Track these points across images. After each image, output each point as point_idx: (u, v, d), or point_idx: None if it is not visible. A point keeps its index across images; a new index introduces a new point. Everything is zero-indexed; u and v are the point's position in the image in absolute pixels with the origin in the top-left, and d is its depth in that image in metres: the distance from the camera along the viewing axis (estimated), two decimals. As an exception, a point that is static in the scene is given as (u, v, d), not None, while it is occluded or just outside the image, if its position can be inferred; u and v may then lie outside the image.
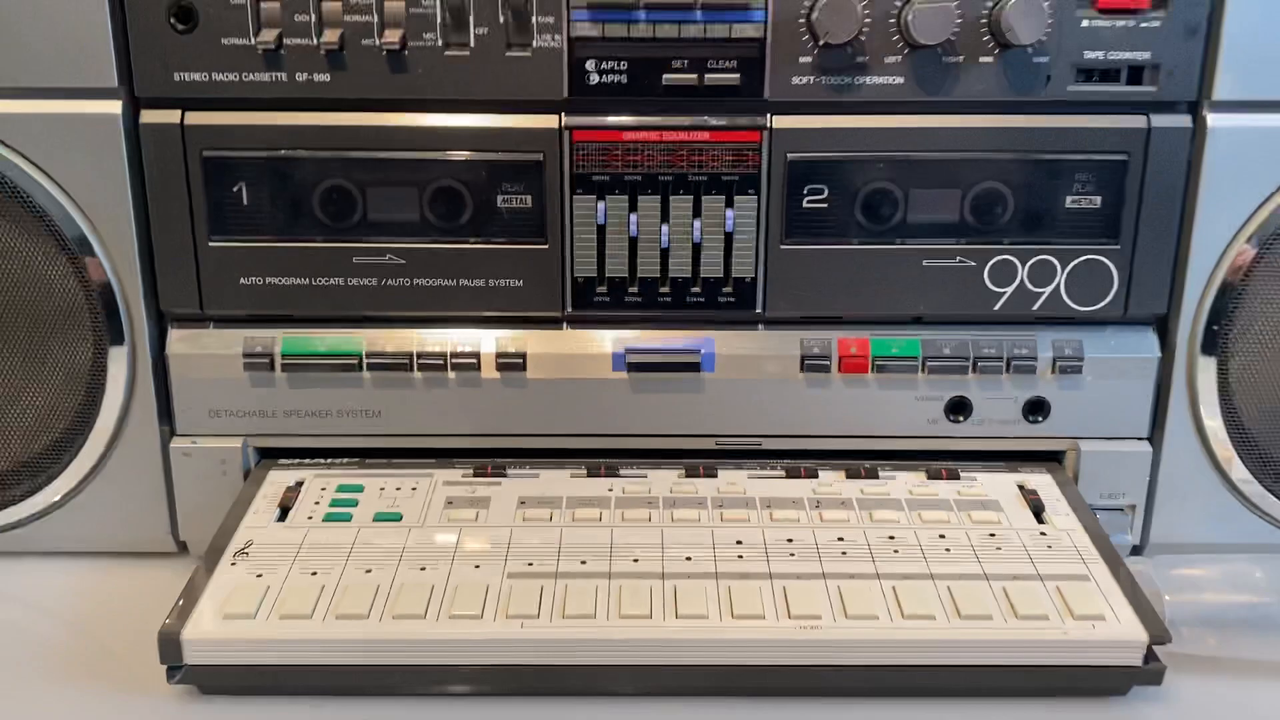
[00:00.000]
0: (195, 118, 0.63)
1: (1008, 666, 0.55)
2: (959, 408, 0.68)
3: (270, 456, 0.69)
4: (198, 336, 0.67)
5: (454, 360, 0.67)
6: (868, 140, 0.64)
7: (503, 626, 0.54)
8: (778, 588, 0.57)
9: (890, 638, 0.54)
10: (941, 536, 0.62)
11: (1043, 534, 0.62)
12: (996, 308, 0.67)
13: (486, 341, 0.67)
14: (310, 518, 0.63)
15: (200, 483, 0.68)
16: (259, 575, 0.58)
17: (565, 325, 0.67)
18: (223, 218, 0.65)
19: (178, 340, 0.67)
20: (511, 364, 0.67)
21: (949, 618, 0.55)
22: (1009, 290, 0.66)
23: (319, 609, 0.56)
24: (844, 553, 0.60)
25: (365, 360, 0.66)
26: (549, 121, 0.64)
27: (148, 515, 0.69)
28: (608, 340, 0.67)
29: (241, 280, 0.66)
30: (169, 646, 0.54)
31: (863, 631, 0.55)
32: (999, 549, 0.61)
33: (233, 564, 0.59)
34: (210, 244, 0.65)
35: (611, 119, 0.63)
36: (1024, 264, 0.66)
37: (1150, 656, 0.55)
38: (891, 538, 0.61)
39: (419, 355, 0.67)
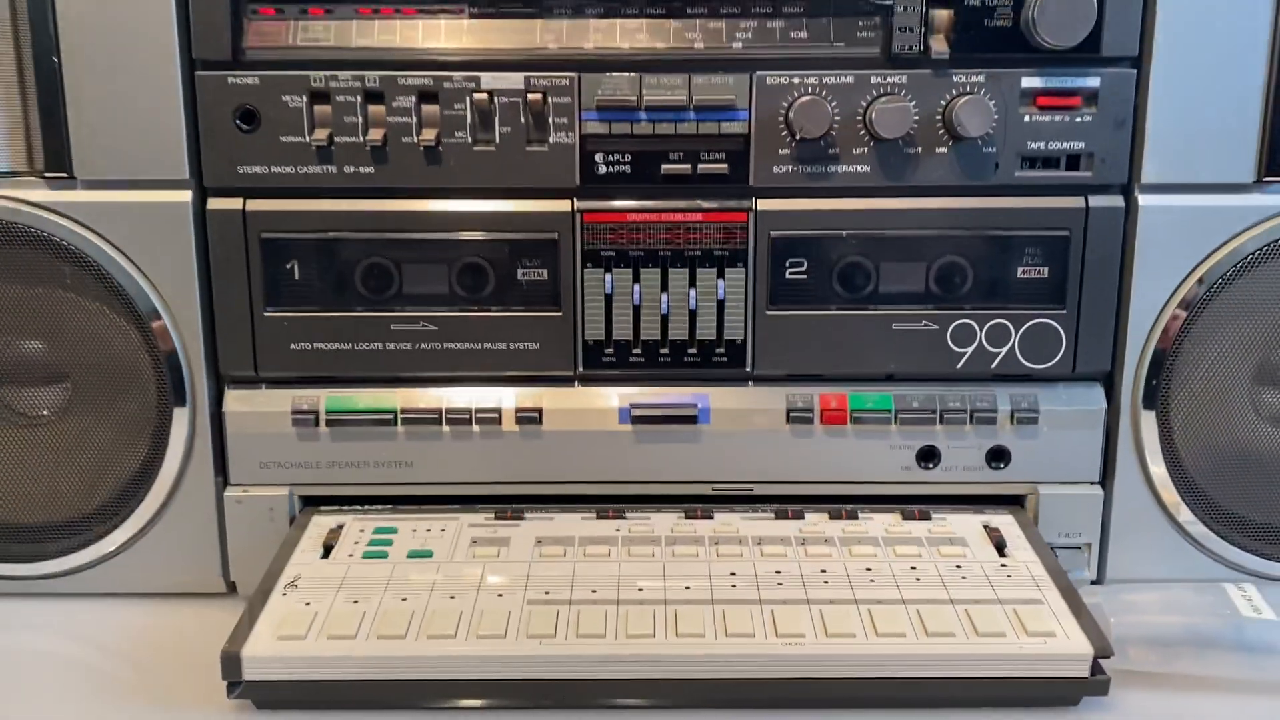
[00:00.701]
0: (255, 205, 0.69)
1: (969, 678, 0.60)
2: (929, 455, 0.73)
3: (312, 504, 0.73)
4: (251, 396, 0.72)
5: (478, 415, 0.71)
6: (841, 220, 0.70)
7: (524, 645, 0.60)
8: (766, 611, 0.62)
9: (865, 653, 0.60)
10: (913, 568, 0.67)
11: (1003, 565, 0.67)
12: (959, 366, 0.72)
13: (506, 398, 0.72)
14: (351, 555, 0.68)
15: (250, 528, 0.72)
16: (307, 603, 0.63)
17: (577, 383, 0.72)
18: (277, 291, 0.70)
19: (234, 400, 0.72)
20: (529, 418, 0.71)
21: (917, 635, 0.60)
22: (969, 350, 0.72)
23: (361, 630, 0.61)
24: (826, 582, 0.65)
25: (400, 416, 0.71)
26: (563, 205, 0.69)
27: (202, 558, 0.73)
28: (614, 396, 0.72)
29: (292, 346, 0.71)
30: (230, 664, 0.59)
31: (841, 647, 0.60)
32: (964, 578, 0.66)
33: (283, 594, 0.64)
34: (265, 314, 0.70)
35: (617, 203, 0.70)
36: (982, 327, 0.71)
37: (1096, 669, 0.60)
38: (869, 569, 0.66)
39: (447, 411, 0.71)
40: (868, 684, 0.60)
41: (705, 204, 0.70)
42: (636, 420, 0.72)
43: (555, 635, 0.60)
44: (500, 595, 0.64)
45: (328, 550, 0.69)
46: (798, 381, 0.73)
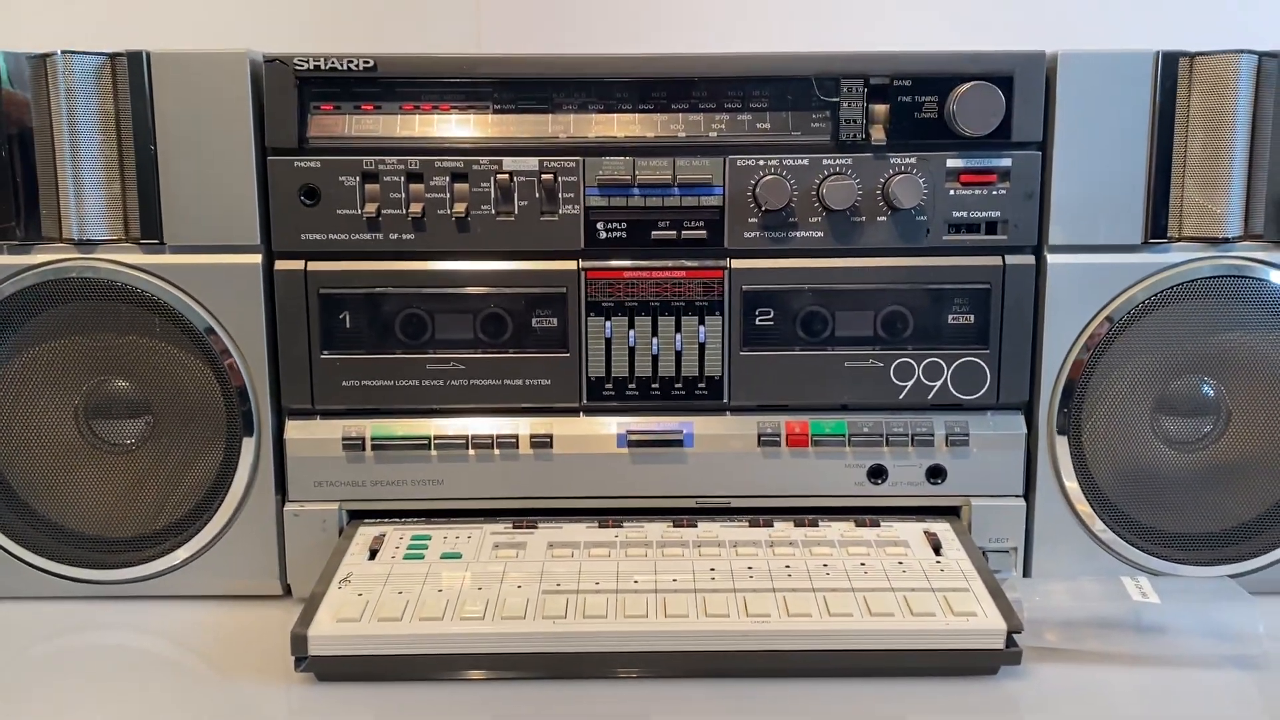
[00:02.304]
0: (315, 265, 0.76)
1: (905, 650, 0.67)
2: (878, 473, 0.79)
3: (358, 517, 0.79)
4: (308, 426, 0.78)
5: (498, 441, 0.77)
6: (801, 276, 0.77)
7: (540, 624, 0.67)
8: (739, 598, 0.69)
9: (819, 629, 0.67)
10: (862, 564, 0.74)
11: (938, 562, 0.75)
12: (900, 397, 0.79)
13: (522, 426, 0.78)
14: (393, 557, 0.75)
15: (304, 538, 0.78)
16: (360, 594, 0.70)
17: (582, 414, 0.78)
18: (332, 337, 0.76)
19: (293, 429, 0.78)
20: (541, 443, 0.77)
21: (863, 615, 0.68)
22: (909, 384, 0.79)
23: (405, 614, 0.67)
24: (789, 575, 0.72)
25: (433, 442, 0.77)
26: (570, 265, 0.76)
27: (263, 565, 0.79)
28: (613, 424, 0.78)
29: (343, 383, 0.77)
30: (298, 642, 0.66)
31: (799, 624, 0.67)
32: (904, 572, 0.73)
33: (339, 588, 0.71)
34: (322, 356, 0.77)
35: (615, 262, 0.77)
36: (919, 364, 0.78)
37: (1011, 643, 0.67)
38: (825, 566, 0.73)
39: (473, 438, 0.77)
40: (821, 655, 0.67)
41: (688, 263, 0.77)
42: (632, 444, 0.78)
43: (565, 616, 0.67)
44: (519, 586, 0.70)
45: (373, 554, 0.75)
46: (767, 411, 0.79)
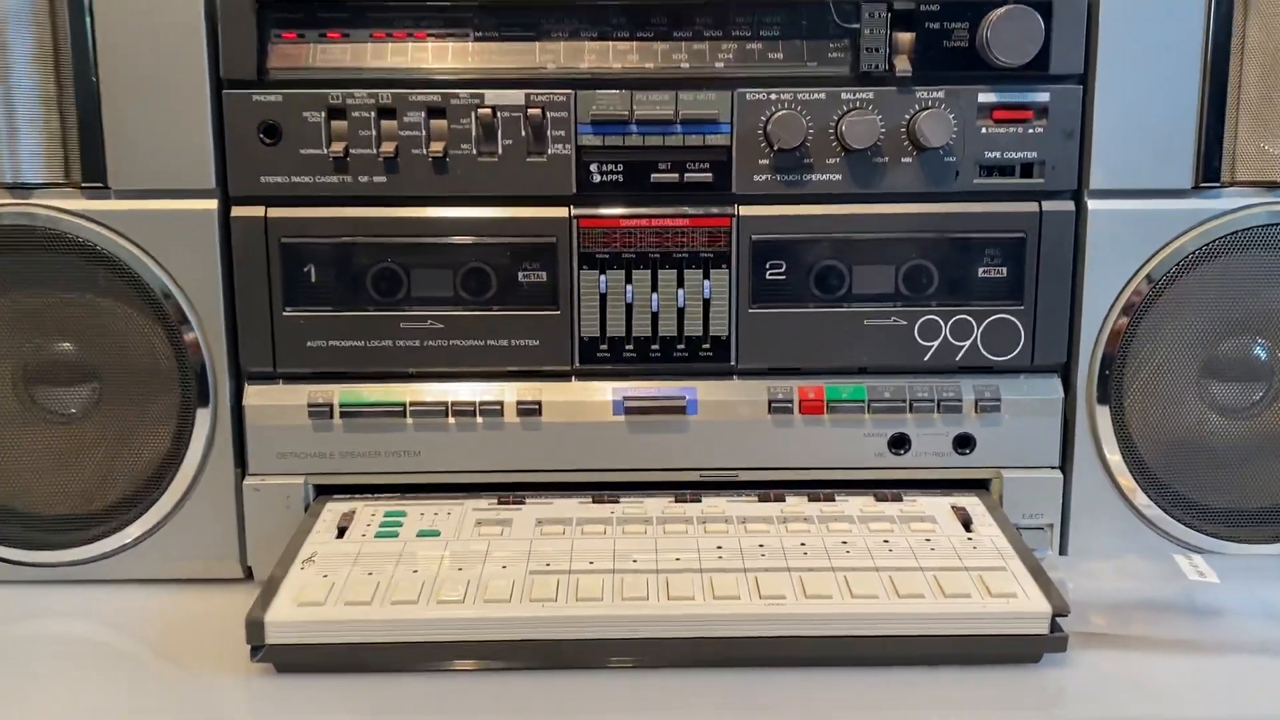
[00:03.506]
0: (276, 212, 0.71)
1: (937, 636, 0.62)
2: (900, 442, 0.75)
3: (326, 493, 0.75)
4: (270, 391, 0.74)
5: (481, 408, 0.73)
6: (816, 224, 0.73)
7: (527, 608, 0.62)
8: (750, 578, 0.64)
9: (841, 612, 0.62)
10: (885, 541, 0.69)
11: (969, 539, 0.70)
12: (926, 359, 0.74)
13: (508, 392, 0.74)
14: (364, 535, 0.70)
15: (266, 516, 0.74)
16: (325, 575, 0.65)
17: (573, 378, 0.74)
18: (295, 292, 0.72)
19: (253, 394, 0.74)
20: (529, 410, 0.73)
21: (889, 597, 0.63)
22: (935, 344, 0.74)
23: (376, 597, 0.63)
24: (805, 554, 0.67)
25: (408, 409, 0.73)
26: (560, 212, 0.72)
27: (220, 545, 0.75)
28: (608, 390, 0.74)
29: (308, 343, 0.73)
30: (254, 628, 0.61)
31: (818, 607, 0.62)
32: (933, 550, 0.68)
33: (302, 568, 0.66)
34: (284, 314, 0.72)
35: (610, 210, 0.72)
36: (946, 322, 0.74)
37: (1055, 628, 0.62)
38: (844, 543, 0.69)
39: (453, 404, 0.73)
40: (843, 642, 0.62)
41: (691, 210, 0.73)
42: (629, 411, 0.74)
43: (556, 599, 0.63)
44: (504, 566, 0.66)
45: (342, 532, 0.71)
46: (778, 375, 0.75)
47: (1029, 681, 0.63)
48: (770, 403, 0.75)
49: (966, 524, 0.72)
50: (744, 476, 0.76)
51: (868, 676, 0.63)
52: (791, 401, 0.74)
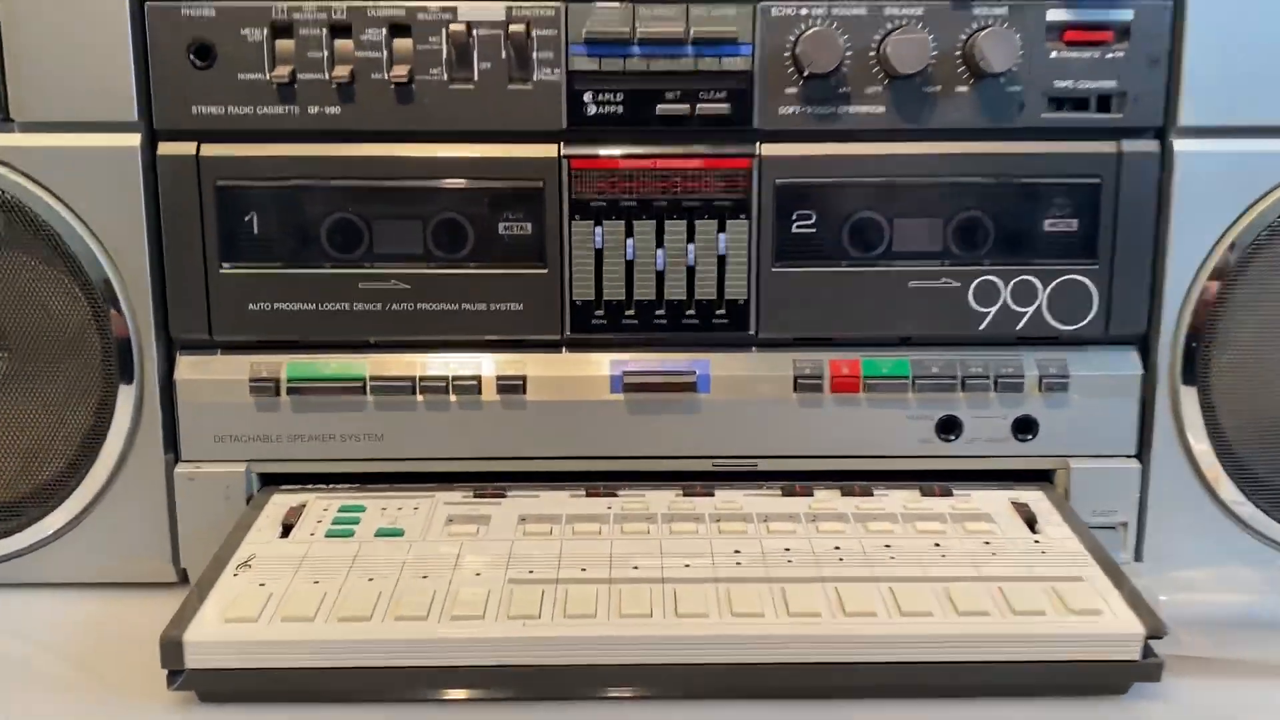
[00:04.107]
0: (210, 149, 0.65)
1: (1006, 663, 0.55)
2: (949, 426, 0.69)
3: (272, 482, 0.70)
4: (206, 362, 0.68)
5: (455, 383, 0.68)
6: (852, 167, 0.66)
7: (505, 627, 0.55)
8: (776, 589, 0.57)
9: (889, 633, 0.55)
10: (937, 545, 0.62)
11: (1036, 542, 0.63)
12: (981, 328, 0.68)
13: (486, 365, 0.68)
14: (312, 534, 0.64)
15: (203, 509, 0.69)
16: (262, 584, 0.59)
17: (564, 348, 0.69)
18: (234, 245, 0.67)
19: (186, 366, 0.68)
20: (511, 386, 0.68)
21: (945, 614, 0.56)
22: (993, 310, 0.68)
23: (321, 612, 0.56)
24: (841, 559, 0.61)
25: (369, 384, 0.68)
26: (548, 151, 0.66)
27: (149, 544, 0.69)
28: (605, 363, 0.69)
29: (250, 306, 0.67)
30: (170, 650, 0.54)
31: (861, 627, 0.55)
32: (994, 554, 0.61)
33: (235, 575, 0.60)
34: (221, 271, 0.67)
35: (608, 148, 0.66)
36: (1006, 284, 0.68)
37: (1148, 652, 0.55)
38: (887, 546, 0.62)
39: (421, 379, 0.68)
40: (891, 670, 0.55)
41: (705, 149, 0.66)
42: (629, 389, 0.68)
43: (540, 616, 0.56)
44: (478, 574, 0.60)
45: (287, 530, 0.65)
46: (806, 346, 0.69)
47: (1115, 718, 0.56)
48: (796, 379, 0.68)
49: (1030, 523, 0.66)
50: (764, 466, 0.70)
51: (920, 712, 0.56)
52: (821, 378, 0.68)
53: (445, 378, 0.68)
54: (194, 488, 0.69)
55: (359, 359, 0.68)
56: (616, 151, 0.66)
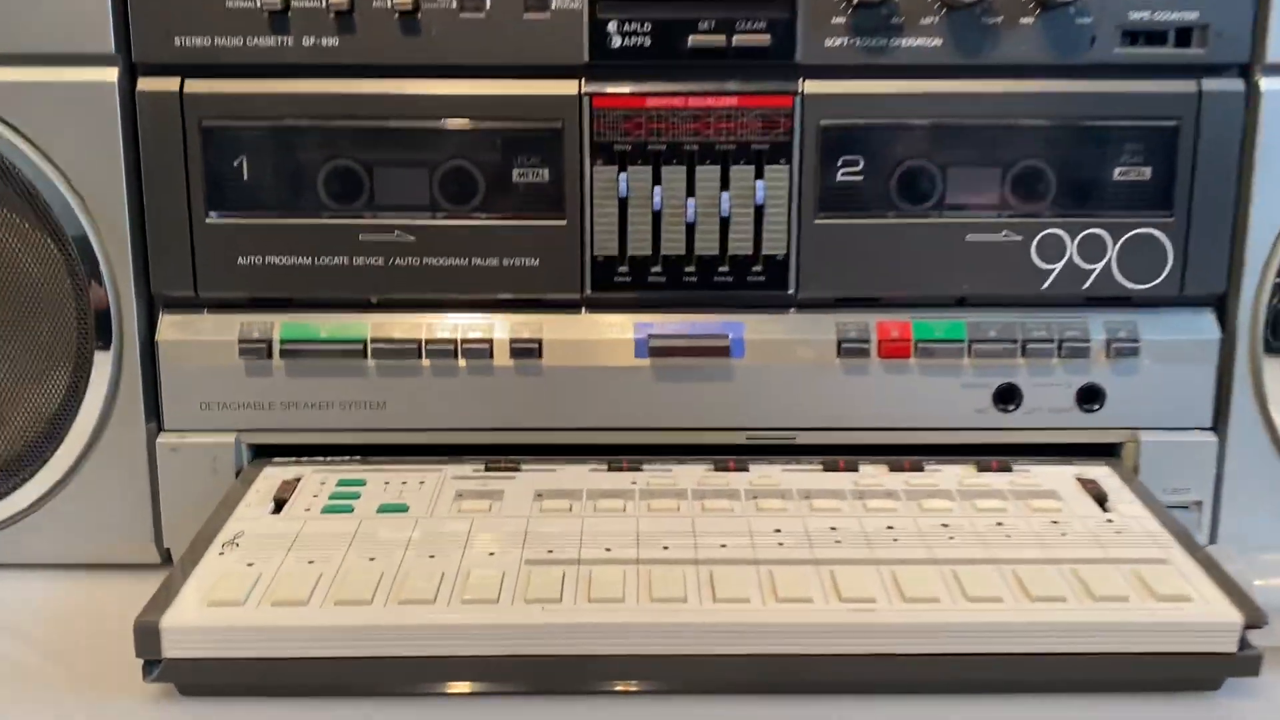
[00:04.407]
0: (195, 85, 0.63)
1: (1085, 655, 0.51)
2: (1008, 395, 0.66)
3: (264, 454, 0.67)
4: (191, 322, 0.66)
5: (464, 347, 0.65)
6: (905, 106, 0.63)
7: (521, 611, 0.51)
8: (824, 572, 0.53)
9: (954, 621, 0.51)
10: (999, 524, 0.58)
11: (1109, 521, 0.59)
12: (1044, 287, 0.65)
13: (499, 327, 0.65)
14: (308, 510, 0.61)
15: (188, 483, 0.66)
16: (250, 564, 0.55)
17: (584, 309, 0.66)
18: (221, 192, 0.64)
19: (169, 326, 0.66)
20: (526, 350, 0.65)
21: (1017, 599, 0.52)
22: (1058, 267, 0.65)
23: (316, 595, 0.52)
24: (895, 539, 0.57)
25: (370, 347, 0.65)
26: (568, 87, 0.63)
27: (129, 521, 0.67)
28: (629, 325, 0.66)
29: (239, 260, 0.65)
30: (146, 637, 0.51)
31: (923, 615, 0.51)
32: (1063, 534, 0.57)
33: (220, 554, 0.56)
34: (207, 220, 0.64)
35: (634, 85, 0.63)
36: (1073, 238, 0.64)
37: (1245, 644, 0.51)
38: (945, 525, 0.58)
39: (427, 342, 0.65)
40: (959, 662, 0.51)
41: (742, 86, 0.63)
42: (656, 353, 0.65)
43: (561, 600, 0.52)
44: (492, 554, 0.56)
45: (279, 506, 0.62)
46: (851, 306, 0.66)
47: (1208, 716, 0.51)
48: (840, 343, 0.65)
49: (1100, 500, 0.62)
50: (803, 439, 0.67)
51: (989, 708, 0.52)
52: (868, 342, 0.65)
53: (454, 340, 0.65)
54: (178, 460, 0.66)
55: (359, 319, 0.66)
56: (643, 89, 0.63)
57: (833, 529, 0.57)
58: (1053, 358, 0.65)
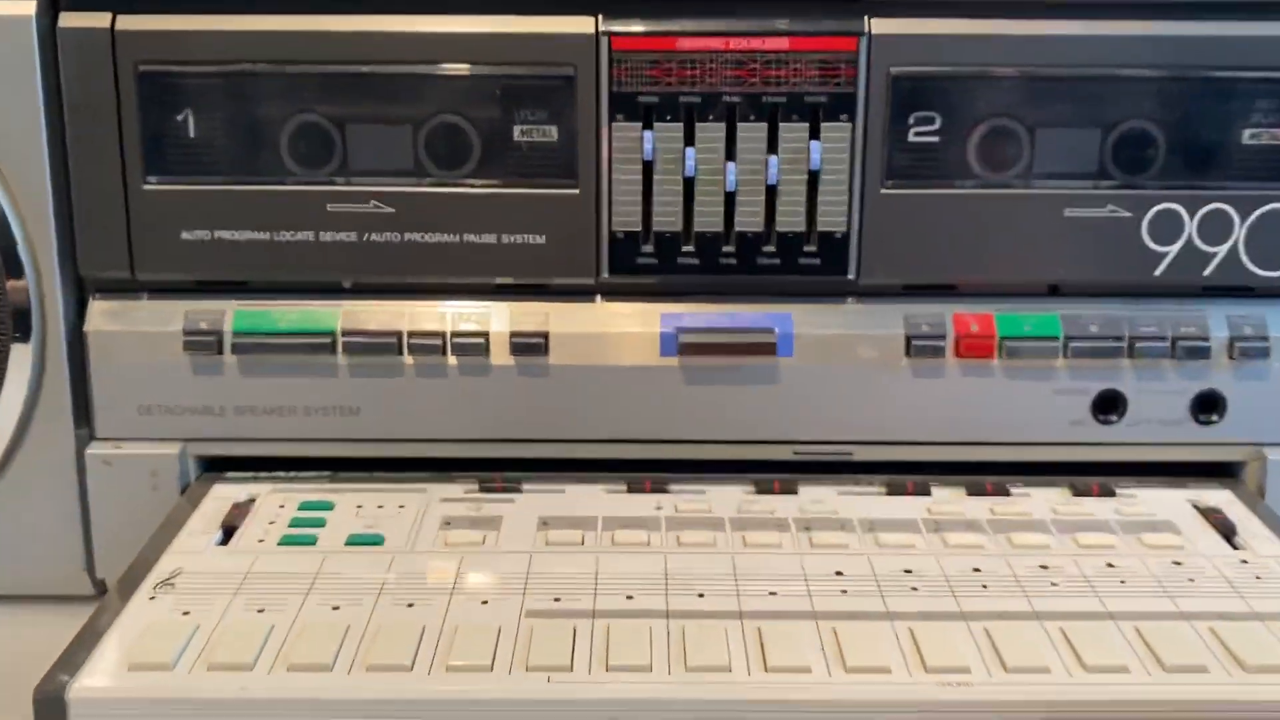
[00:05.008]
0: (129, 22, 0.57)
1: None
2: (1109, 404, 0.60)
3: (215, 469, 0.62)
4: (126, 310, 0.60)
5: (455, 341, 0.59)
6: (992, 51, 0.56)
7: (521, 682, 0.44)
8: (902, 630, 0.46)
9: (1071, 698, 0.42)
10: (1110, 565, 0.51)
11: (1244, 562, 0.52)
12: (1158, 273, 0.59)
13: (497, 317, 0.60)
14: (261, 541, 0.54)
15: (125, 501, 0.61)
16: (185, 613, 0.48)
17: (599, 296, 0.60)
18: (162, 153, 0.58)
19: (100, 314, 0.60)
20: (529, 346, 0.59)
21: (1148, 669, 0.43)
22: (1173, 250, 0.59)
23: (264, 658, 0.45)
24: (985, 585, 0.49)
25: (340, 341, 0.59)
26: (582, 25, 0.57)
27: (56, 546, 0.62)
28: (654, 315, 0.60)
29: (184, 235, 0.59)
30: (48, 709, 0.44)
31: (1031, 688, 0.42)
32: (1191, 580, 0.50)
33: (151, 597, 0.49)
34: (145, 187, 0.58)
35: (662, 22, 0.56)
36: (1192, 215, 0.58)
37: None
38: (1045, 567, 0.51)
39: (410, 335, 0.60)
40: None
41: (795, 25, 0.57)
42: (685, 350, 0.60)
43: (571, 667, 0.45)
44: (485, 602, 0.49)
45: (228, 534, 0.56)
46: (922, 295, 0.60)
47: None
48: (909, 340, 0.60)
49: (1227, 535, 0.55)
50: (861, 455, 0.62)
51: None
52: (942, 338, 0.59)
53: (442, 333, 0.60)
54: (112, 474, 0.61)
55: (328, 307, 0.60)
56: (674, 26, 0.57)
57: (907, 571, 0.50)
58: (1164, 359, 0.59)
